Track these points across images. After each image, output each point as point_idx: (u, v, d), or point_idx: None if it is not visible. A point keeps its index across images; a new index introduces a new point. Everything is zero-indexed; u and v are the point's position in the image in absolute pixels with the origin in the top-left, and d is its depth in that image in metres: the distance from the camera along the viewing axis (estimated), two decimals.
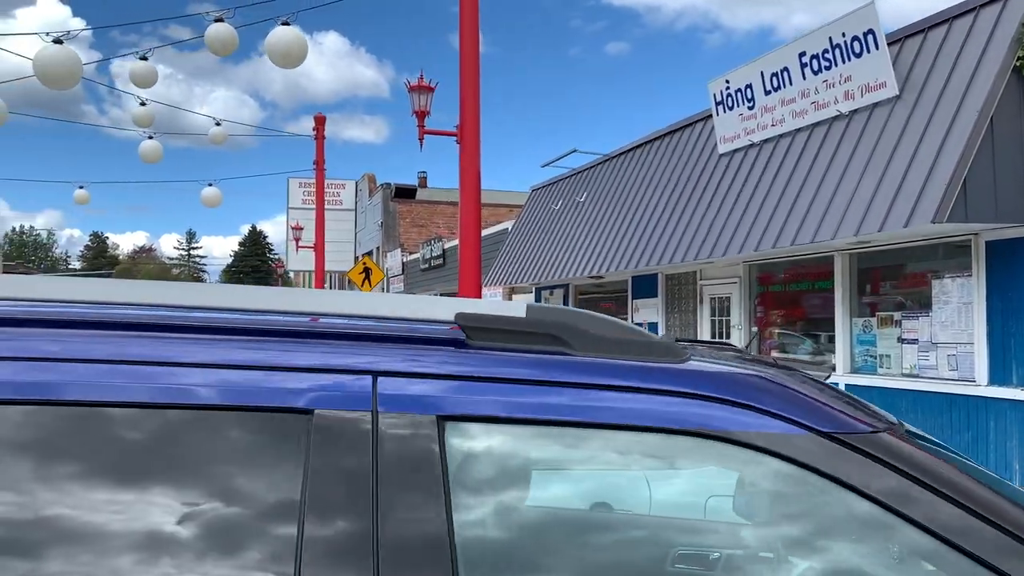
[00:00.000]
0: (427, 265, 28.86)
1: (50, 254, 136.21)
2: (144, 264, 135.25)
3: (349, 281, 24.48)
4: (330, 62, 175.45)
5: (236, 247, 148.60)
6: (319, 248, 29.06)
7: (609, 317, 1.54)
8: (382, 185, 37.31)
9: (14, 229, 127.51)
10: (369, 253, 40.00)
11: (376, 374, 1.38)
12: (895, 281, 9.79)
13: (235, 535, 1.26)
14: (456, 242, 27.13)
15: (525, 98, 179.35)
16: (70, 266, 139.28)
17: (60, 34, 14.69)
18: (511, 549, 1.49)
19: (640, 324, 14.64)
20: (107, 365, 1.32)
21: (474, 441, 1.42)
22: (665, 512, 2.24)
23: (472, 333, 1.46)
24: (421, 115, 14.62)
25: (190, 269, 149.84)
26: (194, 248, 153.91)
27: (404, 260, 32.86)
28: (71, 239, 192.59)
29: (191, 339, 1.41)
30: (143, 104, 21.01)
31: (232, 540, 1.26)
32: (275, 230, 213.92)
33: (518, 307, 1.50)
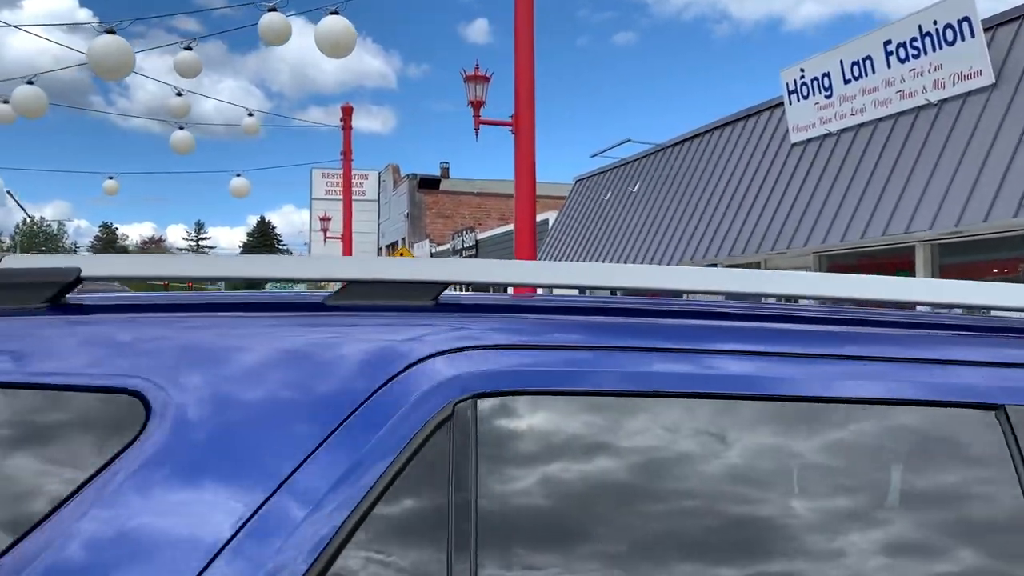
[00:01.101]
0: (458, 256, 28.84)
1: (61, 245, 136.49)
2: (153, 254, 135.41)
3: None
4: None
5: (243, 238, 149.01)
6: (347, 239, 29.06)
7: None
8: (408, 176, 37.22)
9: (25, 221, 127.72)
10: (393, 244, 39.96)
11: None
12: (982, 270, 9.70)
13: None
14: (489, 233, 27.07)
15: (566, 89, 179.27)
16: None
17: (113, 24, 14.65)
18: None
19: None
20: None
21: None
22: None
23: None
24: (477, 105, 14.54)
25: None
26: (203, 239, 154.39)
27: (432, 251, 32.82)
28: (79, 230, 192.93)
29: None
30: (179, 95, 20.97)
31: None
32: (282, 221, 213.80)
33: None
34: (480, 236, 27.21)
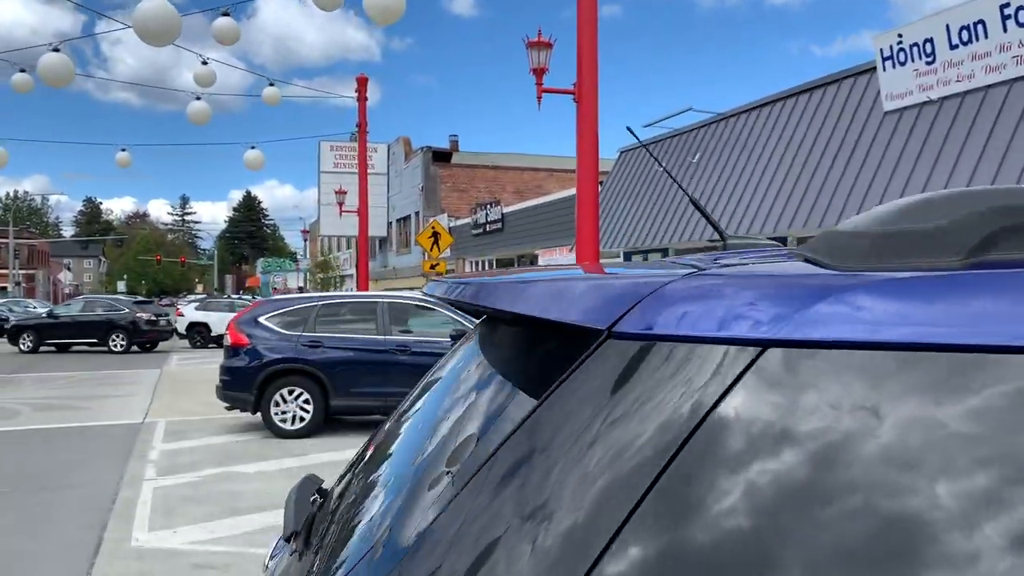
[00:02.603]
0: (480, 230, 28.39)
1: (44, 220, 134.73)
2: (139, 230, 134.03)
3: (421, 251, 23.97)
4: (320, 25, 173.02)
5: (226, 212, 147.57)
6: (363, 213, 28.54)
7: None
8: (422, 149, 36.66)
9: (8, 195, 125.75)
10: (406, 219, 39.42)
11: None
12: None
13: None
14: (517, 207, 26.65)
15: (619, 59, 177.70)
16: (62, 232, 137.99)
17: None
18: None
19: None
20: None
21: None
22: None
23: None
24: (539, 72, 14.07)
25: (185, 234, 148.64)
26: (188, 214, 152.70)
27: (450, 225, 32.35)
28: (59, 204, 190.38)
29: None
30: (205, 63, 20.42)
31: None
32: (266, 195, 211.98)
33: None
34: (507, 209, 26.79)
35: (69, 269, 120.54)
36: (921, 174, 10.34)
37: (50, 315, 25.98)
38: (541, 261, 24.50)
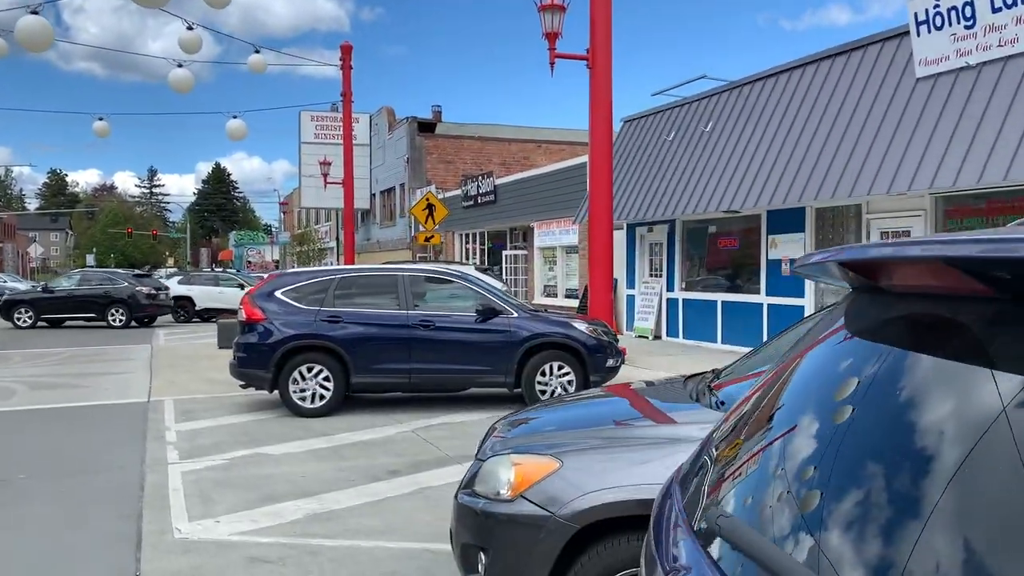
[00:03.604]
0: (471, 203, 27.87)
1: (8, 193, 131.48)
2: (106, 202, 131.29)
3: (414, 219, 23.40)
4: None
5: (194, 185, 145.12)
6: (348, 185, 27.92)
7: None
8: (407, 119, 35.92)
9: None
10: (390, 191, 38.75)
11: None
12: None
13: None
14: (510, 179, 26.16)
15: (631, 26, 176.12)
16: (27, 204, 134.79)
17: None
18: None
19: (780, 260, 14.03)
20: None
21: None
22: None
23: None
24: (552, 37, 13.64)
25: (154, 207, 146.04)
26: (156, 186, 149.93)
27: (440, 197, 31.78)
28: (21, 176, 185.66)
29: None
30: (190, 28, 19.77)
31: None
32: (235, 168, 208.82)
33: None
34: (499, 181, 26.28)
35: (36, 242, 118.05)
36: (959, 145, 10.05)
37: (46, 289, 25.27)
38: (537, 233, 24.09)
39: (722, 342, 15.44)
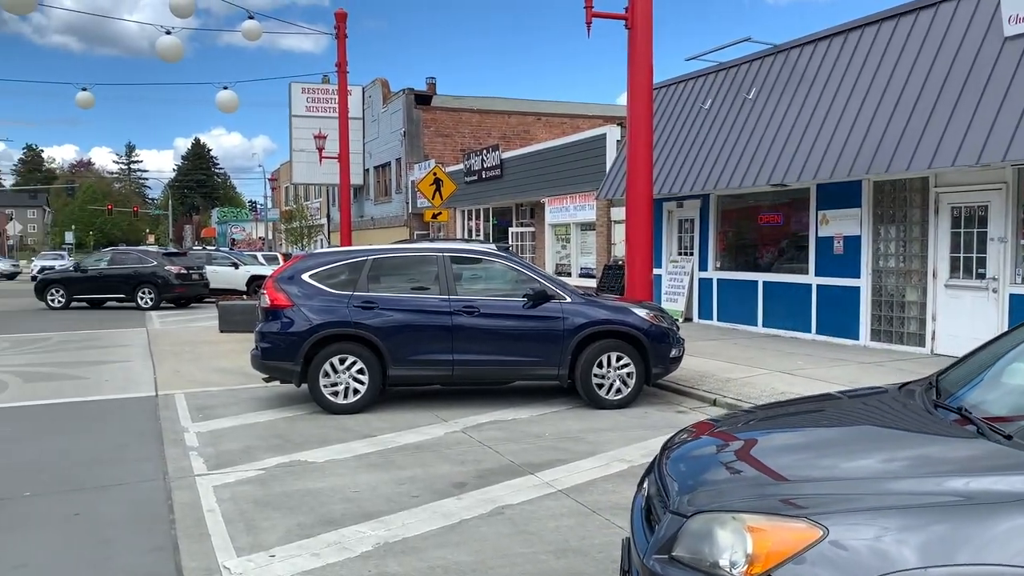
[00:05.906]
0: (475, 177, 26.70)
1: None
2: (84, 179, 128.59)
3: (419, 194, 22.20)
4: None
5: (172, 161, 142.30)
6: (344, 159, 26.70)
7: None
8: (403, 91, 34.59)
9: None
10: (385, 166, 37.49)
11: None
12: None
13: None
14: (518, 152, 25.03)
15: None
16: (2, 181, 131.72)
17: None
18: None
19: (832, 238, 13.07)
20: None
21: None
22: None
23: None
24: None
25: (133, 184, 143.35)
26: (134, 162, 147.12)
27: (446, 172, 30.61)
28: None
29: None
30: None
31: None
32: (214, 143, 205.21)
33: None
34: (505, 155, 25.14)
35: (14, 220, 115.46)
36: None
37: (78, 268, 24.16)
38: (549, 209, 23.02)
39: (763, 325, 14.50)
